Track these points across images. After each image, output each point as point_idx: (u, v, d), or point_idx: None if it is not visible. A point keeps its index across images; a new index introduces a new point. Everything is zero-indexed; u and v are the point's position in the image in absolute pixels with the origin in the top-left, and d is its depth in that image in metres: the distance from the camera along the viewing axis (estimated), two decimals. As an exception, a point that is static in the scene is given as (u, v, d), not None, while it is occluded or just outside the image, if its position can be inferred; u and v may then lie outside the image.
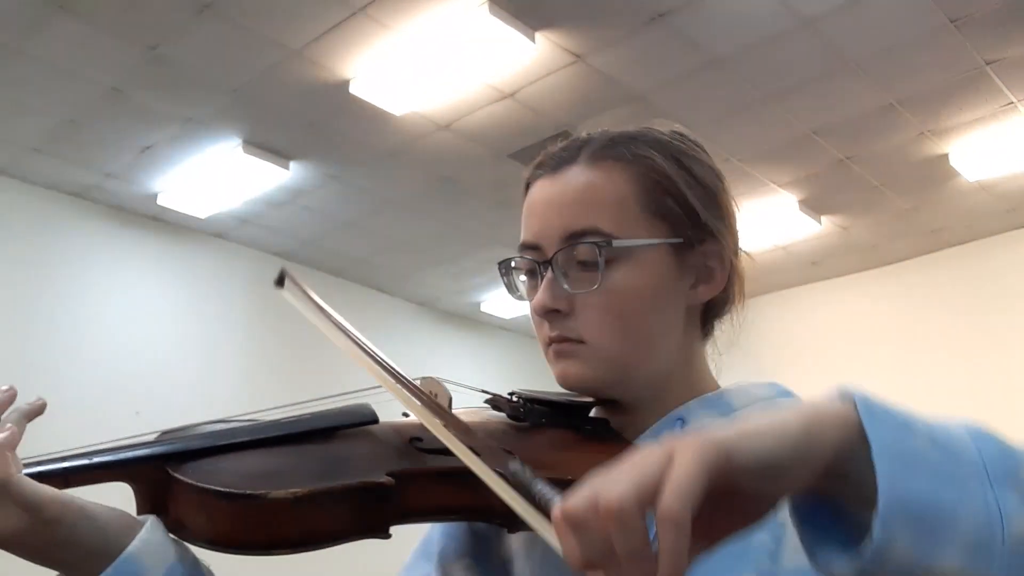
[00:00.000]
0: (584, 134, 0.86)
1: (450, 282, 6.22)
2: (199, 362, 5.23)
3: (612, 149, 0.81)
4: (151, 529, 0.65)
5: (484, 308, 6.71)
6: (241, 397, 5.09)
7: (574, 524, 0.45)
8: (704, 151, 0.86)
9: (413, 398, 0.72)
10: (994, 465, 0.48)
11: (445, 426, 0.66)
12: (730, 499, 0.47)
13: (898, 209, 5.21)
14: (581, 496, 0.45)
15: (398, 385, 0.72)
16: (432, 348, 6.45)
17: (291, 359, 5.53)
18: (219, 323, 5.40)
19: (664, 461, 0.45)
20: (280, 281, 0.75)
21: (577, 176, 0.80)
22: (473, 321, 6.93)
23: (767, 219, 5.14)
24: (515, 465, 0.57)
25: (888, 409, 0.48)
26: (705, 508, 0.45)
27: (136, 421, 4.52)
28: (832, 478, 0.48)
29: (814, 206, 5.14)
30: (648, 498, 0.44)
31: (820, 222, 5.30)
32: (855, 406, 0.48)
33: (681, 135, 0.86)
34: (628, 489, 0.44)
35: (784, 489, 0.48)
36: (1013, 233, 5.45)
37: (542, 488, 0.53)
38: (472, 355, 6.78)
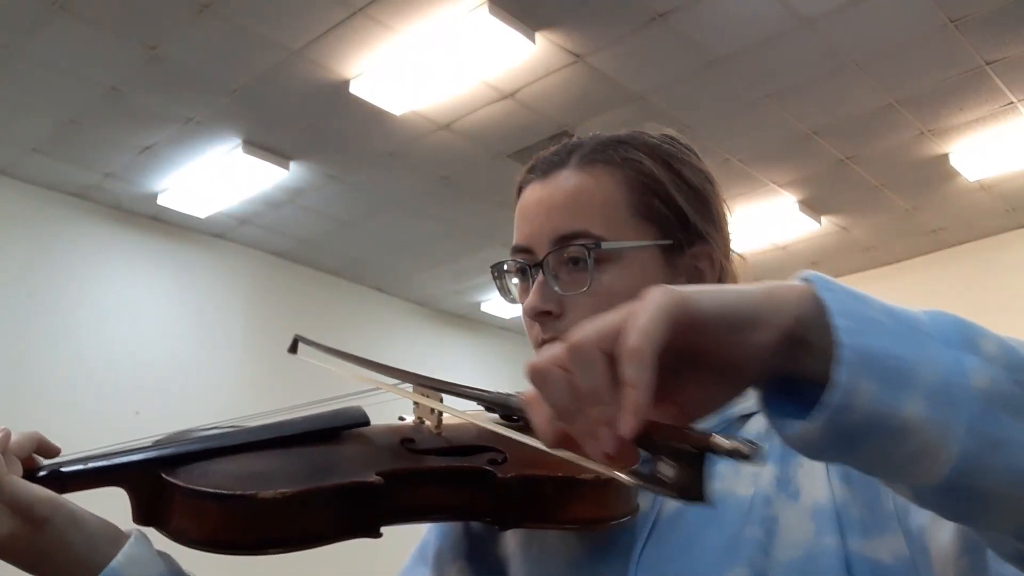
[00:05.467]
0: (575, 138, 0.87)
1: (450, 282, 6.22)
2: (199, 361, 5.22)
3: (601, 153, 0.83)
4: (136, 544, 0.66)
5: (484, 308, 6.71)
6: (241, 396, 5.09)
7: (539, 376, 0.46)
8: (695, 155, 0.87)
9: (444, 402, 0.74)
10: (950, 334, 0.47)
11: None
12: (696, 359, 0.47)
13: (898, 209, 5.21)
14: (545, 353, 0.47)
15: (427, 391, 0.74)
16: (432, 348, 6.44)
17: (291, 358, 5.52)
18: (219, 323, 5.40)
19: (625, 313, 0.45)
20: (294, 348, 0.79)
21: (567, 180, 0.82)
22: (473, 321, 6.93)
23: (767, 219, 5.13)
24: None
25: (844, 286, 0.48)
26: (673, 365, 0.45)
27: (136, 420, 4.53)
28: (794, 348, 0.47)
29: (814, 206, 5.14)
30: (608, 342, 0.44)
31: (820, 222, 5.29)
32: (810, 282, 0.48)
33: (672, 138, 0.87)
34: (588, 333, 0.45)
35: (748, 347, 0.47)
36: (1013, 233, 5.45)
37: None
38: (472, 355, 6.78)
